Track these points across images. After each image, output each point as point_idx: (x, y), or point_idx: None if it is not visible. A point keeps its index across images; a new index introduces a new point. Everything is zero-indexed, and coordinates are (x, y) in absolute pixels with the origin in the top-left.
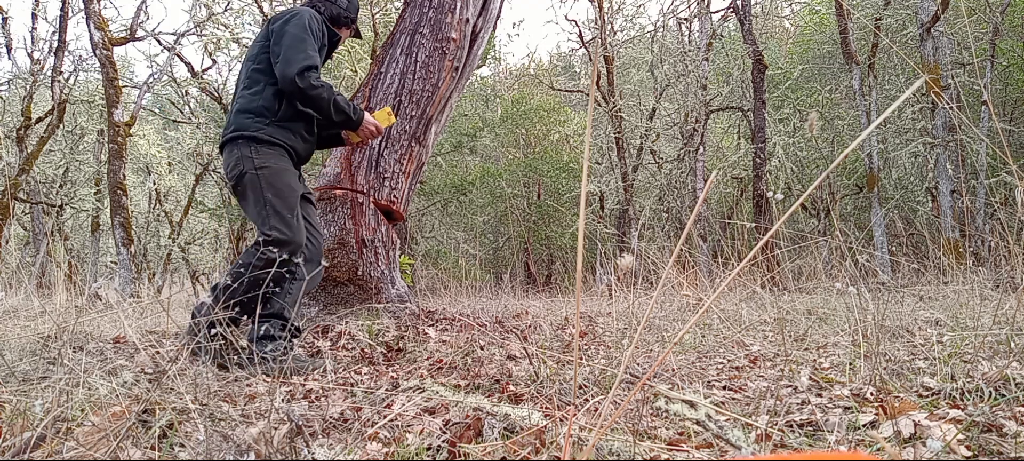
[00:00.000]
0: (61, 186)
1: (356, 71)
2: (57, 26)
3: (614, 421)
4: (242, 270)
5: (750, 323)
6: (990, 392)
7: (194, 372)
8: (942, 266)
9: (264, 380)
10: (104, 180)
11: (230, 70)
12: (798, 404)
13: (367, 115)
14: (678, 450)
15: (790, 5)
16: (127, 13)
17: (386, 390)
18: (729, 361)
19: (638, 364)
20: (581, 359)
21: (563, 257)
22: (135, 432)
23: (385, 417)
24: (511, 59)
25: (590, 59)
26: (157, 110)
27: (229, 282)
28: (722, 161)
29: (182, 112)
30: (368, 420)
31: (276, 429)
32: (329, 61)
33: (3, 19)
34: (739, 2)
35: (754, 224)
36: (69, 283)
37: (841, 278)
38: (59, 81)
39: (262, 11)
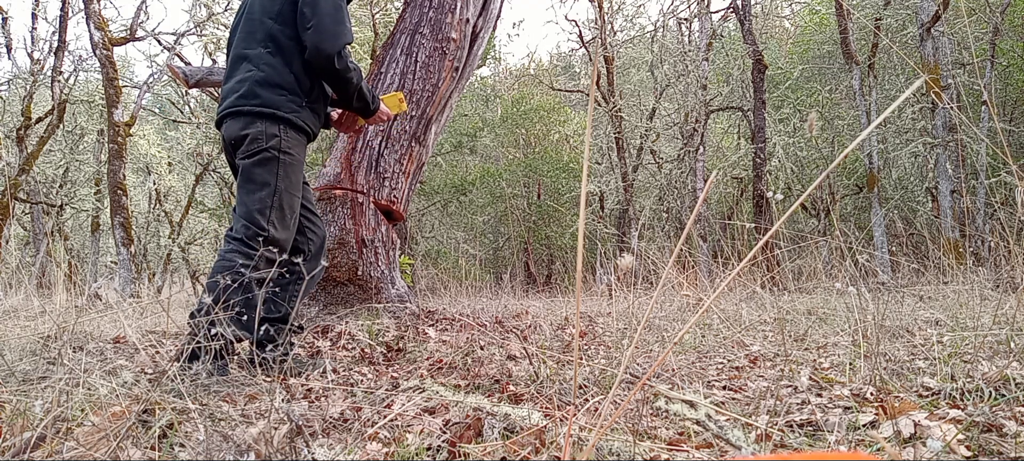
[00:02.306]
0: (61, 186)
1: None
2: (57, 26)
3: (614, 421)
4: (235, 268)
5: (750, 323)
6: (990, 392)
7: (194, 373)
8: (942, 266)
9: (265, 381)
10: (104, 180)
11: None
12: (798, 404)
13: (381, 104)
14: (678, 450)
15: (790, 5)
16: (127, 13)
17: (386, 390)
18: (729, 361)
19: (638, 364)
20: (581, 359)
21: (563, 257)
22: (135, 432)
23: (385, 417)
24: (511, 59)
25: (590, 59)
26: (157, 110)
27: (229, 282)
28: (722, 161)
29: (182, 112)
30: (368, 420)
31: (276, 429)
32: None
33: (3, 19)
34: (739, 2)
35: (754, 224)
36: (69, 283)
37: (841, 278)
38: (59, 81)
39: None
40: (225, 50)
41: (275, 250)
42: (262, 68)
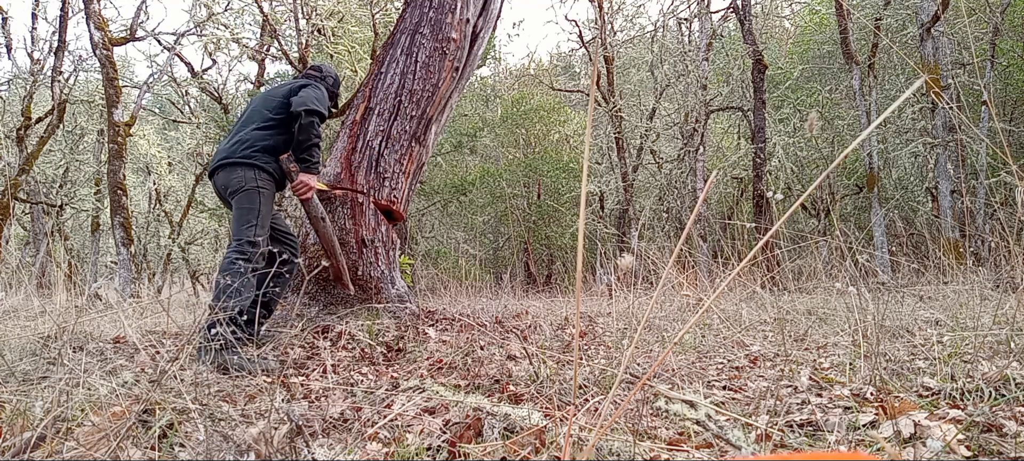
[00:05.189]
0: (61, 186)
1: (356, 71)
2: (57, 26)
3: (614, 421)
4: (235, 265)
5: (750, 323)
6: (990, 392)
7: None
8: (942, 266)
9: (265, 380)
10: (104, 180)
11: (230, 70)
12: (798, 404)
13: (311, 178)
14: (678, 450)
15: (790, 5)
16: (127, 13)
17: (386, 390)
18: (729, 361)
19: (638, 364)
20: (581, 359)
21: (563, 257)
22: (135, 432)
23: (385, 417)
24: (511, 59)
25: (590, 59)
26: (157, 110)
27: (229, 281)
28: (722, 161)
29: (182, 112)
30: (368, 420)
31: (276, 429)
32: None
33: (3, 19)
34: (739, 2)
35: (754, 224)
36: (69, 283)
37: (841, 278)
38: (59, 81)
39: (262, 11)
40: (225, 52)
41: (259, 249)
42: (251, 135)
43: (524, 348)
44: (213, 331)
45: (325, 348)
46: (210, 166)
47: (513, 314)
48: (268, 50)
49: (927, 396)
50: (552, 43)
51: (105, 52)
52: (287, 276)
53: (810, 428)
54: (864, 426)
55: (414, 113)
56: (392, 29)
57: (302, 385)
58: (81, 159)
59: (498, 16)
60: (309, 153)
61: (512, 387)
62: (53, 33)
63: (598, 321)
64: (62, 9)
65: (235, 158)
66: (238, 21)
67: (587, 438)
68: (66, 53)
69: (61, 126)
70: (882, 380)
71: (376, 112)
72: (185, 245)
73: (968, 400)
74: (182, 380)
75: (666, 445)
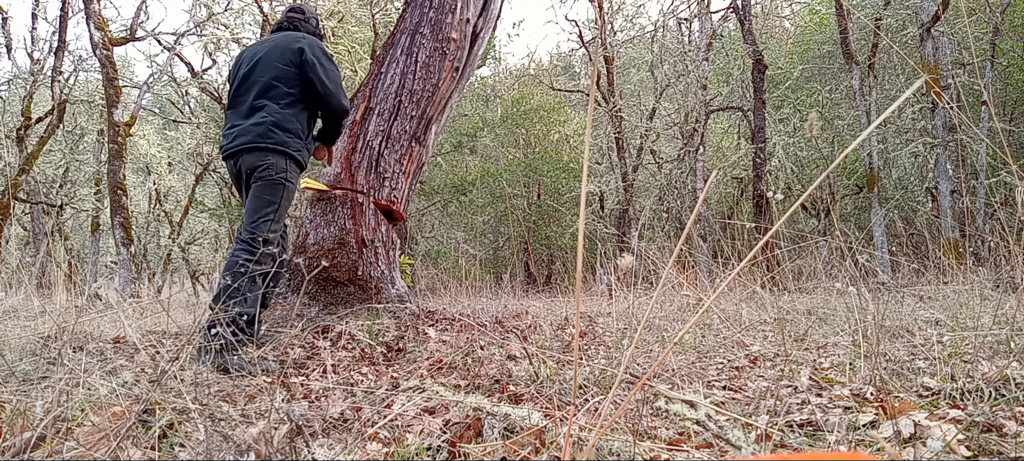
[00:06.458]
0: (61, 186)
1: (356, 71)
2: (57, 26)
3: (614, 421)
4: (240, 264)
5: (750, 323)
6: (990, 392)
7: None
8: (942, 266)
9: (265, 380)
10: (104, 180)
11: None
12: (798, 404)
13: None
14: (678, 450)
15: (790, 5)
16: (127, 13)
17: (386, 390)
18: (729, 361)
19: (638, 364)
20: (581, 359)
21: (563, 257)
22: (135, 432)
23: (385, 417)
24: (511, 59)
25: (590, 59)
26: (157, 110)
27: (229, 281)
28: (722, 161)
29: (182, 112)
30: (368, 420)
31: (276, 429)
32: None
33: (3, 19)
34: (739, 2)
35: (754, 224)
36: (69, 283)
37: (841, 278)
38: (59, 81)
39: (262, 11)
40: (229, 92)
41: (271, 247)
42: (275, 115)
43: (524, 348)
44: (213, 331)
45: (325, 348)
46: (228, 146)
47: (513, 314)
48: None
49: (927, 396)
50: (552, 43)
51: (105, 52)
52: (283, 273)
53: (810, 428)
54: (864, 426)
55: (414, 113)
56: (392, 29)
57: (302, 385)
58: (81, 159)
59: (498, 16)
60: (339, 136)
61: (512, 387)
62: (53, 33)
63: (598, 321)
64: (62, 9)
65: (266, 144)
66: (238, 21)
67: (587, 438)
68: (66, 53)
69: (61, 126)
70: (882, 380)
71: (376, 112)
72: (185, 245)
73: (968, 400)
74: (182, 380)
75: (666, 445)
